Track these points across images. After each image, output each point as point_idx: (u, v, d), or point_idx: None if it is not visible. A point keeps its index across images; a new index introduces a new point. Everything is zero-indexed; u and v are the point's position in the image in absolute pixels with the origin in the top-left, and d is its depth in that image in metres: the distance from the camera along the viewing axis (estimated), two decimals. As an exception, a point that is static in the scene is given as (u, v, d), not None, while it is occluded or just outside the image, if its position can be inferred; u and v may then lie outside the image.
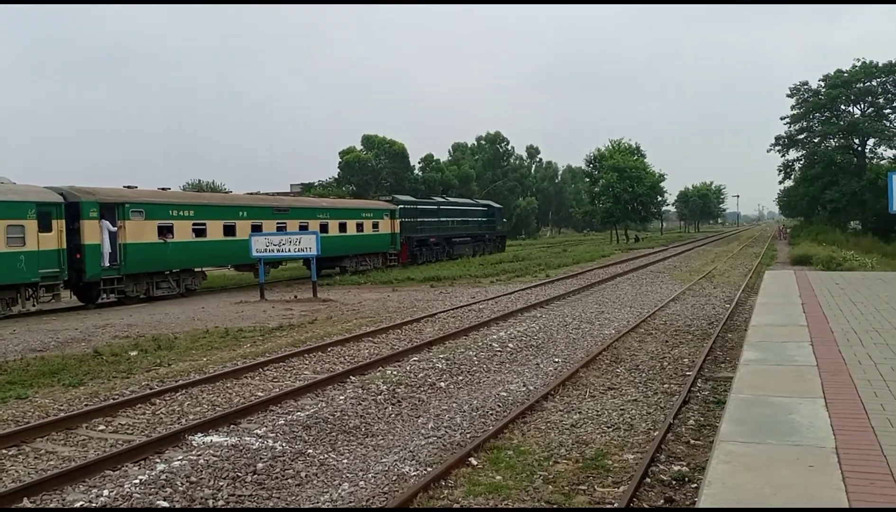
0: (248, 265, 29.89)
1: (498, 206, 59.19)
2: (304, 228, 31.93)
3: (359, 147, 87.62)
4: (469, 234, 50.00)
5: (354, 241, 36.77)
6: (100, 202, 23.66)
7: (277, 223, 31.22)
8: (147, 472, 7.35)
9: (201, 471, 7.35)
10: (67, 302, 25.01)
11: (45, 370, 12.80)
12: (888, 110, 66.97)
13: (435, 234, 45.16)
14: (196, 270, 28.22)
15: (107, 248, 23.59)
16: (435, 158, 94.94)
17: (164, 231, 25.81)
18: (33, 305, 22.19)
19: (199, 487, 7.02)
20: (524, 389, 11.01)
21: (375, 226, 38.46)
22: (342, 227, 35.82)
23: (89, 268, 23.07)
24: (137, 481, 7.05)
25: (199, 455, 7.79)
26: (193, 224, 27.08)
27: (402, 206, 41.59)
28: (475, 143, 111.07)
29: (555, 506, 6.54)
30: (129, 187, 26.46)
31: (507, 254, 48.92)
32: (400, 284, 30.18)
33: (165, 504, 6.67)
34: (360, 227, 37.14)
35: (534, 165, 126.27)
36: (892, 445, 4.68)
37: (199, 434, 8.58)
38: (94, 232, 23.19)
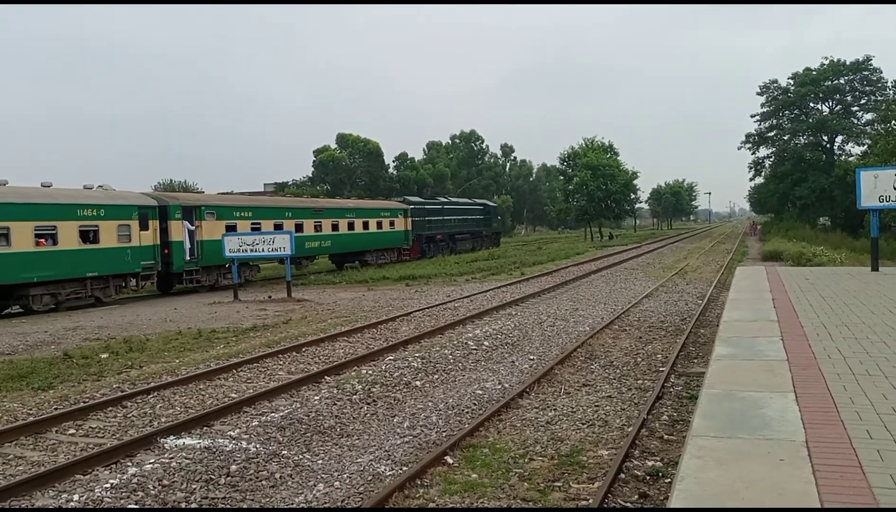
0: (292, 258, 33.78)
1: (493, 204, 63.55)
2: (335, 227, 36.94)
3: (333, 146, 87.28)
4: (469, 232, 54.09)
5: (376, 237, 40.97)
6: (182, 205, 28.02)
7: (315, 222, 35.28)
8: (118, 476, 7.24)
9: (174, 474, 7.26)
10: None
11: (14, 374, 12.57)
12: (856, 108, 68.18)
13: (440, 231, 49.39)
14: (252, 263, 31.84)
15: (187, 244, 27.63)
16: (409, 157, 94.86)
17: (230, 229, 29.28)
18: (129, 292, 26.95)
19: (171, 491, 6.94)
20: (500, 386, 11.03)
21: (392, 224, 42.67)
22: (365, 225, 39.84)
23: (176, 261, 27.19)
24: (108, 485, 6.95)
25: (172, 458, 7.69)
26: (251, 223, 31.03)
27: (412, 206, 45.60)
28: (449, 141, 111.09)
29: (529, 504, 6.55)
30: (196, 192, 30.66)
31: (483, 252, 49.04)
32: (375, 284, 30.09)
33: (137, 508, 6.59)
34: (379, 225, 41.30)
35: (508, 164, 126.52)
36: (862, 437, 4.74)
37: (172, 437, 8.47)
38: (179, 231, 27.36)
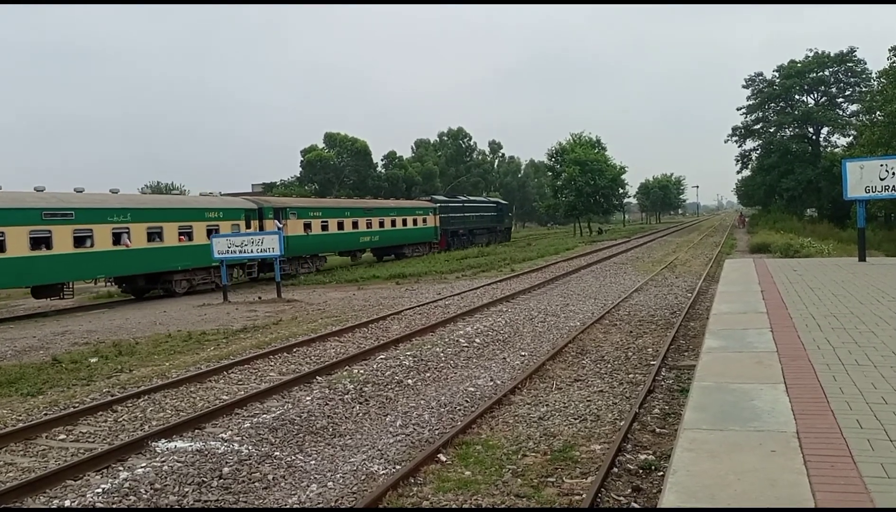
0: (348, 251, 41.81)
1: (504, 202, 68.52)
2: (381, 224, 42.72)
3: (321, 145, 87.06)
4: (485, 227, 59.16)
5: (412, 233, 46.80)
6: (273, 207, 33.76)
7: (366, 220, 41.09)
8: (110, 480, 7.21)
9: (166, 477, 7.23)
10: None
11: (3, 380, 12.48)
12: (841, 99, 68.52)
13: (462, 226, 54.70)
14: (320, 255, 37.97)
15: None
16: (398, 155, 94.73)
17: (306, 227, 35.38)
18: (237, 279, 31.79)
19: (163, 494, 6.90)
20: (492, 383, 11.03)
21: (424, 221, 48.54)
22: (404, 222, 45.68)
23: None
24: (100, 490, 6.91)
25: (164, 462, 7.66)
26: (321, 222, 36.84)
27: (439, 204, 51.10)
28: (438, 139, 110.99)
29: (523, 500, 6.55)
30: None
31: (473, 250, 49.07)
32: (365, 283, 30.04)
33: (128, 509, 6.55)
34: (415, 222, 47.28)
35: (497, 160, 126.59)
36: (852, 427, 4.76)
37: (163, 440, 8.44)
38: (271, 228, 31.88)
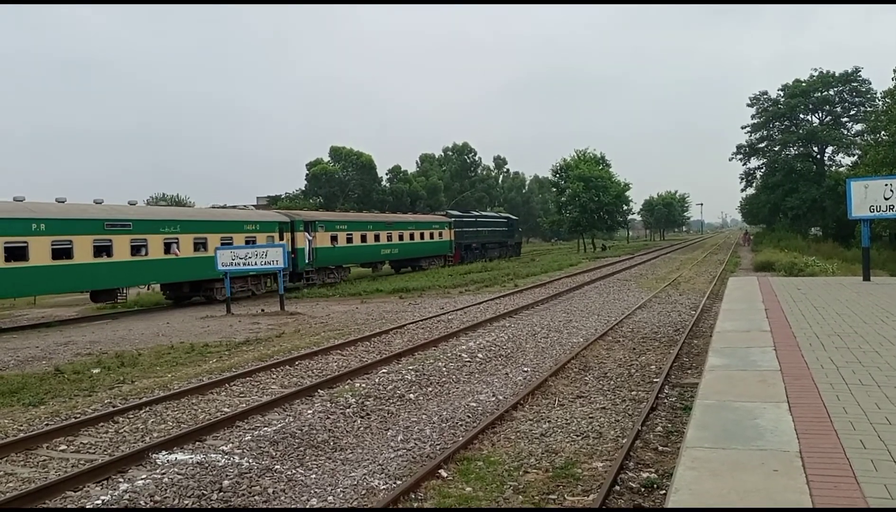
0: (370, 263, 43.41)
1: (515, 218, 69.96)
2: (401, 238, 44.45)
3: (326, 159, 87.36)
4: (497, 242, 60.87)
5: (429, 246, 48.61)
6: (304, 220, 35.41)
7: (387, 233, 42.83)
8: (110, 492, 7.19)
9: (165, 489, 7.21)
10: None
11: (5, 390, 12.47)
12: (846, 119, 68.63)
13: (475, 241, 56.51)
14: (345, 266, 39.59)
15: (307, 250, 34.70)
16: (402, 170, 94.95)
17: (333, 239, 37.06)
18: (265, 288, 32.52)
19: (163, 507, 6.88)
20: (494, 399, 11.00)
21: (440, 235, 50.46)
22: (421, 236, 47.45)
23: (300, 263, 34.28)
24: (100, 502, 6.90)
25: (164, 473, 7.64)
26: (347, 234, 38.55)
27: (454, 219, 53.25)
28: (442, 154, 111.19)
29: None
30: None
31: (477, 265, 49.11)
32: (369, 296, 30.03)
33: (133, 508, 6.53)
34: (431, 235, 48.97)
35: (501, 176, 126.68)
36: (855, 447, 4.74)
37: (164, 452, 8.42)
38: (302, 240, 34.50)
